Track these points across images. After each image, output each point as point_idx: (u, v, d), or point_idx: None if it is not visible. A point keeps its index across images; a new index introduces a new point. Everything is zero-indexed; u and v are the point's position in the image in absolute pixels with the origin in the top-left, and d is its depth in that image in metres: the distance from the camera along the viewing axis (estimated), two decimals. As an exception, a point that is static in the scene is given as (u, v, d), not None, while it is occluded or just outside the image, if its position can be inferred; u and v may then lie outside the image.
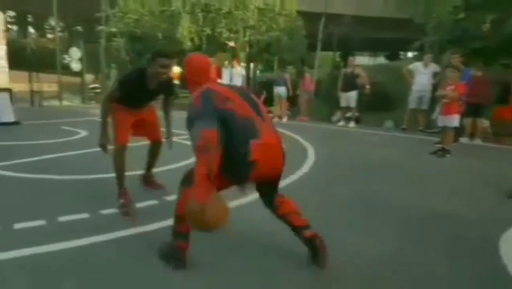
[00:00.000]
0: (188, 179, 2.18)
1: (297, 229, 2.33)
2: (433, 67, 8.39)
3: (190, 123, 2.12)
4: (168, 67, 3.08)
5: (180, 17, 12.89)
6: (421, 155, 5.83)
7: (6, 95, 8.23)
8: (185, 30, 12.93)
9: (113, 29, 14.56)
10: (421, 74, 8.38)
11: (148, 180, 3.75)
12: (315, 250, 2.29)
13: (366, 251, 2.55)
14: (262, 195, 2.43)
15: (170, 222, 2.36)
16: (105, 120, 3.18)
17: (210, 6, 12.99)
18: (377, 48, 26.94)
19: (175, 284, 2.13)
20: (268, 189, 2.38)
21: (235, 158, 2.08)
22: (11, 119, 8.10)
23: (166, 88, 3.33)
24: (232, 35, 13.56)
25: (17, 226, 2.76)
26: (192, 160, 2.28)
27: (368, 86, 9.17)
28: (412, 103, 8.51)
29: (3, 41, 8.26)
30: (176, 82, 14.40)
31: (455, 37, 8.96)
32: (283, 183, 3.92)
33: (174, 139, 3.61)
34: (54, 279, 2.12)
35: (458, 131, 6.43)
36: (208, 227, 1.99)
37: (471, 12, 8.99)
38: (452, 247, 2.66)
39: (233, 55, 12.87)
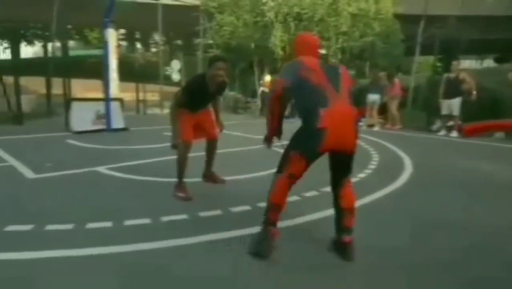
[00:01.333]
0: (280, 168, 2.38)
1: (343, 229, 2.39)
2: None
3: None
4: (224, 69, 3.45)
5: (272, 27, 13.15)
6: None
7: (117, 104, 9.14)
8: (276, 39, 13.14)
9: (210, 41, 15.40)
10: None
11: (208, 175, 4.17)
12: (346, 253, 2.36)
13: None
14: (334, 176, 2.46)
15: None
16: (176, 124, 3.64)
17: (302, 15, 13.03)
18: (485, 50, 24.49)
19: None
20: (341, 169, 2.43)
21: (306, 127, 2.25)
22: (121, 125, 8.99)
23: (221, 90, 3.66)
24: (324, 42, 13.42)
25: (127, 222, 3.01)
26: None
27: (474, 92, 8.34)
28: None
29: (115, 56, 9.21)
30: (266, 90, 14.45)
31: None
32: (373, 196, 3.76)
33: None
34: (148, 276, 2.26)
35: None
36: None
37: None
38: None
39: (325, 62, 12.71)
